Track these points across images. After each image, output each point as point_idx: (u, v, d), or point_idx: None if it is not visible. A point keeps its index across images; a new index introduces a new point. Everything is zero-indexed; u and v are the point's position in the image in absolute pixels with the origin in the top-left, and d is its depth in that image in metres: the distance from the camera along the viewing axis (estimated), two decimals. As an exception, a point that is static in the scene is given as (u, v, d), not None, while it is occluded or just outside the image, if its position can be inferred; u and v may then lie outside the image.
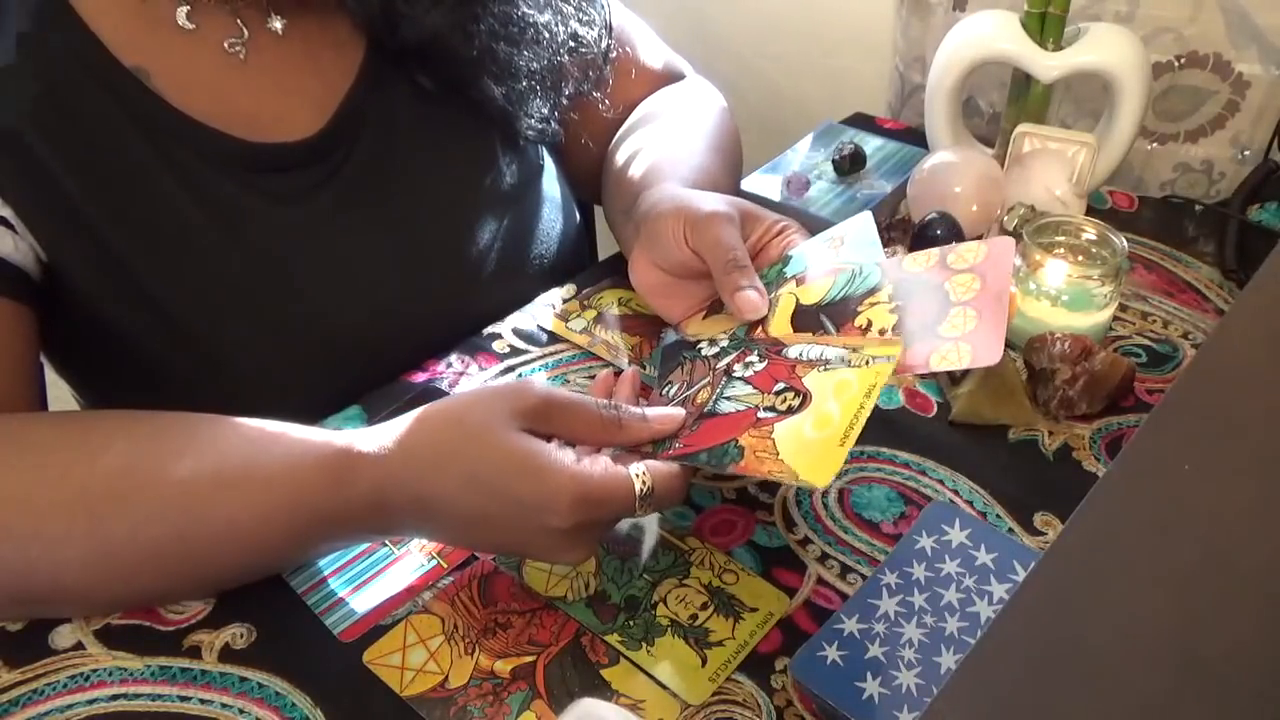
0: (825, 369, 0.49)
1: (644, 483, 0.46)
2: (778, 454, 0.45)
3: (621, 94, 0.79)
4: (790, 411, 0.47)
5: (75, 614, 0.49)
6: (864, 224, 0.57)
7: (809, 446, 0.45)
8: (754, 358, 0.53)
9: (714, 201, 0.58)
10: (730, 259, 0.56)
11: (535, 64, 0.67)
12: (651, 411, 0.50)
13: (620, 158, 0.75)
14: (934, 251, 0.53)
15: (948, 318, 0.49)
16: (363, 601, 0.50)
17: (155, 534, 0.46)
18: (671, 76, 0.86)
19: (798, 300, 0.55)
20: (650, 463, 0.47)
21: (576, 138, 0.77)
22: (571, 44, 0.70)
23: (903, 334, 0.49)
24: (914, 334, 0.49)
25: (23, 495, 0.46)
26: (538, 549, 0.46)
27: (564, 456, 0.45)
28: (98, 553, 0.46)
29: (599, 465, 0.45)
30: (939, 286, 0.51)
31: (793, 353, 0.51)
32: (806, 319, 0.54)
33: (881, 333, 0.50)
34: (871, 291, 0.52)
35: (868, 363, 0.48)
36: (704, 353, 0.57)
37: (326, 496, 0.47)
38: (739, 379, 0.52)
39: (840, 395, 0.46)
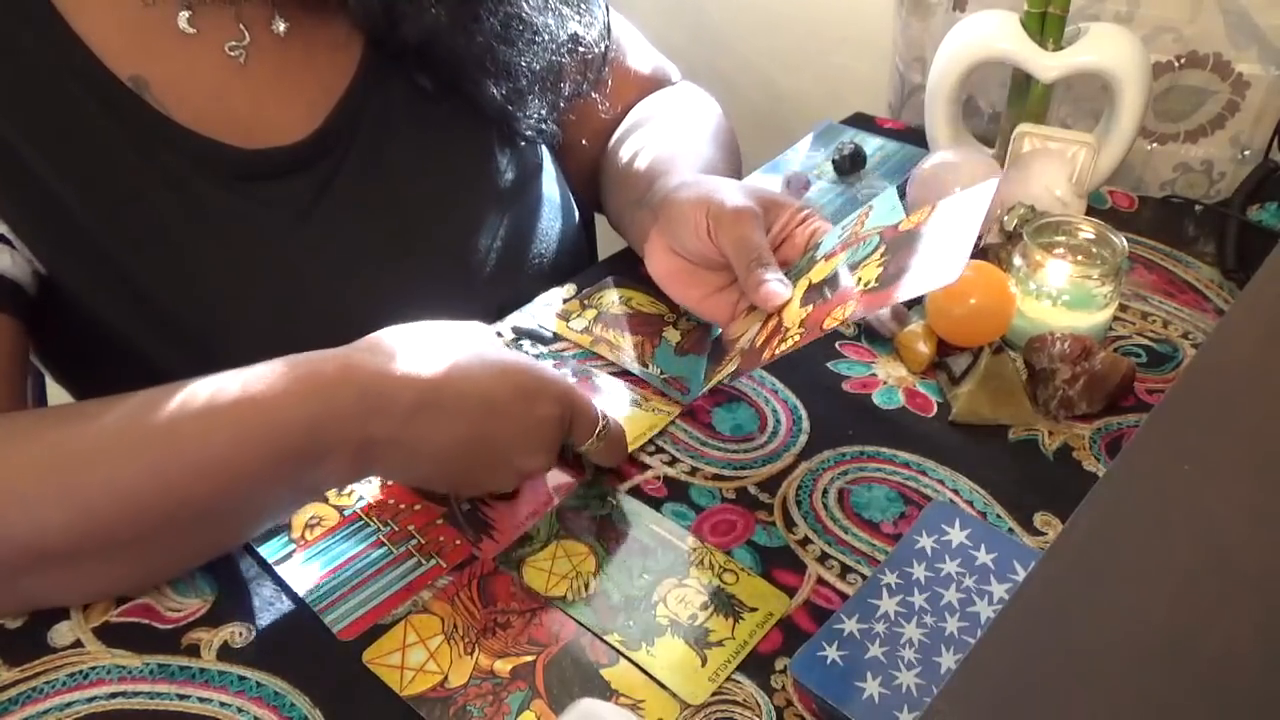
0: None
1: (604, 422, 0.54)
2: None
3: (610, 98, 0.79)
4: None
5: (63, 595, 0.49)
6: (887, 196, 0.58)
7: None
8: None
9: (738, 196, 0.59)
10: (754, 258, 0.56)
11: (535, 64, 0.67)
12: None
13: (625, 154, 0.75)
14: (930, 206, 0.54)
15: (922, 253, 0.50)
16: (362, 601, 0.50)
17: (130, 476, 0.45)
18: (660, 81, 0.85)
19: (810, 281, 0.56)
20: (614, 420, 0.55)
21: (572, 139, 0.77)
22: (571, 45, 0.70)
23: (883, 279, 0.50)
24: (892, 276, 0.50)
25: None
26: (519, 435, 0.50)
27: None
28: (76, 508, 0.45)
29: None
30: (923, 234, 0.52)
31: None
32: (812, 294, 0.55)
33: (867, 285, 0.51)
34: (870, 253, 0.53)
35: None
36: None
37: (302, 402, 0.46)
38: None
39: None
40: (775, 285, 0.55)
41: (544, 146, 0.75)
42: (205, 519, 0.48)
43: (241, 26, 0.59)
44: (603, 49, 0.75)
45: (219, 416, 0.46)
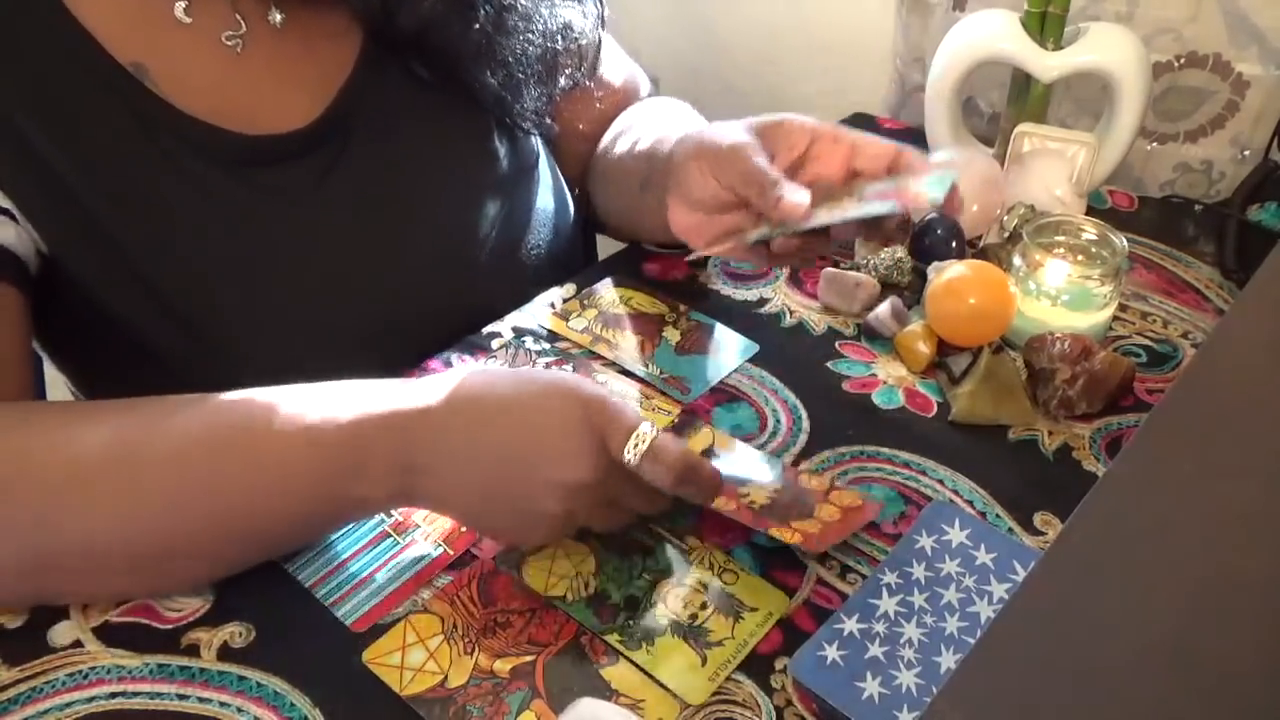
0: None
1: (642, 436, 0.48)
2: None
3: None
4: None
5: (74, 597, 0.49)
6: (944, 175, 0.56)
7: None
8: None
9: (733, 132, 0.60)
10: (764, 183, 0.56)
11: (530, 52, 0.68)
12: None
13: (616, 151, 0.75)
14: (827, 477, 0.57)
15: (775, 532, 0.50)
16: (372, 593, 0.50)
17: (184, 489, 0.47)
18: (631, 94, 0.85)
19: (713, 437, 0.59)
20: (663, 436, 0.48)
21: (568, 131, 0.78)
22: (564, 32, 0.70)
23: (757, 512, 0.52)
24: (765, 516, 0.52)
25: (59, 444, 0.47)
26: (547, 453, 0.47)
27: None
28: (129, 510, 0.47)
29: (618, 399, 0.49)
30: (802, 502, 0.53)
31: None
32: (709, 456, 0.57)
33: (753, 505, 0.52)
34: (769, 479, 0.56)
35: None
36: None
37: (348, 438, 0.48)
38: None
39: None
40: (792, 196, 0.55)
41: (541, 140, 0.75)
42: (250, 536, 0.50)
43: (238, 17, 0.59)
44: (596, 38, 0.75)
45: (271, 441, 0.48)
